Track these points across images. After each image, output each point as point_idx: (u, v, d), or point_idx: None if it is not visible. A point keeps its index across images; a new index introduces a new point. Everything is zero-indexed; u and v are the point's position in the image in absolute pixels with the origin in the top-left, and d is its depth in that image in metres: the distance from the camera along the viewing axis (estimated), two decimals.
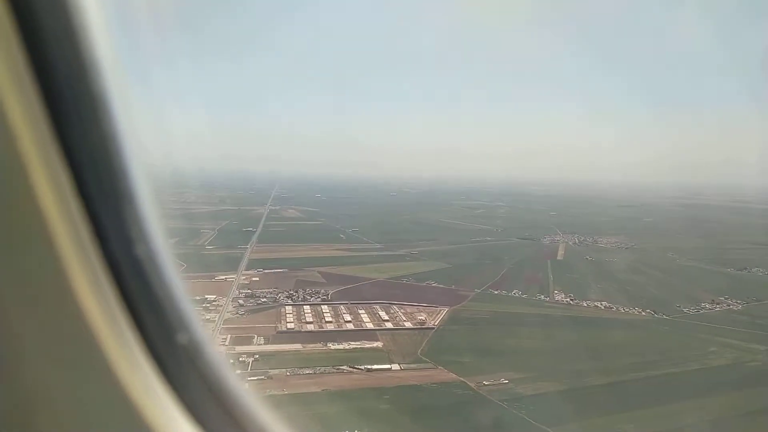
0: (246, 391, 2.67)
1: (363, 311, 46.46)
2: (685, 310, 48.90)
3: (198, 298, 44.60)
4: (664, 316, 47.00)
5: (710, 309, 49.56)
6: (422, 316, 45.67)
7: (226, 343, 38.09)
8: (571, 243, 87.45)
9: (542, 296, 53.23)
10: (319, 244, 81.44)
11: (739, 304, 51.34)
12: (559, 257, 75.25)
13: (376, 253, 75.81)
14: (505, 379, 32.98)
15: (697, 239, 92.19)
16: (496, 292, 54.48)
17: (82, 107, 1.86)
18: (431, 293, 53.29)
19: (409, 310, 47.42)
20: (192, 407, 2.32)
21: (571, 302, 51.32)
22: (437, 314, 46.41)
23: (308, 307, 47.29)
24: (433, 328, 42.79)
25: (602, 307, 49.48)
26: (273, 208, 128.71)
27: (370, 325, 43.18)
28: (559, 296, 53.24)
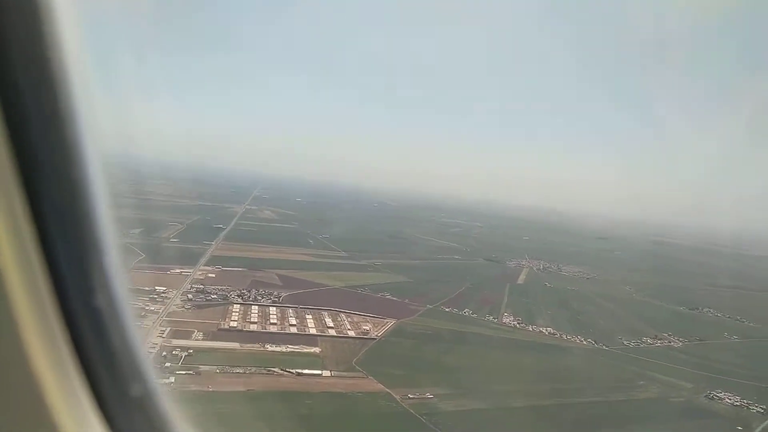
0: None
1: (310, 317, 46.71)
2: (626, 342, 50.01)
3: (147, 289, 44.72)
4: (604, 347, 48.01)
5: (650, 344, 50.74)
6: (367, 327, 46.06)
7: (164, 336, 38.10)
8: (535, 269, 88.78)
9: (491, 317, 54.00)
10: (286, 247, 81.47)
11: (681, 341, 52.66)
12: (519, 281, 76.39)
13: (339, 261, 76.13)
14: (431, 394, 33.47)
15: (660, 277, 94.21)
16: (447, 310, 55.11)
17: (50, 152, 1.81)
18: (383, 305, 53.72)
19: (356, 320, 47.80)
20: None
21: (517, 326, 52.16)
22: (383, 326, 46.86)
23: (256, 307, 47.40)
24: (375, 339, 43.22)
25: (546, 333, 50.36)
26: (250, 207, 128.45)
27: (313, 331, 43.45)
28: (508, 319, 54.06)
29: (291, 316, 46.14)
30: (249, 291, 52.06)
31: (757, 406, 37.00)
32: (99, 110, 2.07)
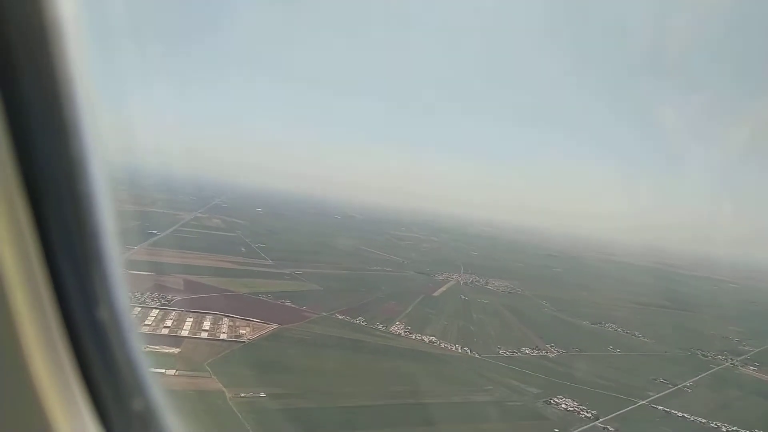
0: None
1: (191, 319, 47.97)
2: (501, 352, 52.02)
3: None
4: (476, 355, 49.93)
5: (527, 353, 52.80)
6: (245, 331, 47.48)
7: None
8: (462, 282, 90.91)
9: (381, 326, 55.68)
10: (214, 254, 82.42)
11: (558, 352, 54.85)
12: (435, 294, 78.27)
13: (260, 269, 77.46)
14: (264, 394, 34.94)
15: (582, 292, 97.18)
16: (340, 317, 56.72)
17: (54, 163, 1.82)
18: (276, 311, 55.15)
19: (237, 324, 49.15)
20: None
21: (402, 334, 53.90)
22: (261, 330, 48.30)
23: (139, 309, 48.50)
24: (244, 342, 44.60)
25: (426, 342, 52.18)
26: (200, 215, 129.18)
27: (184, 333, 44.69)
28: (398, 328, 55.79)
29: (170, 319, 47.38)
30: (141, 294, 53.13)
31: (588, 412, 39.08)
32: (102, 119, 2.11)
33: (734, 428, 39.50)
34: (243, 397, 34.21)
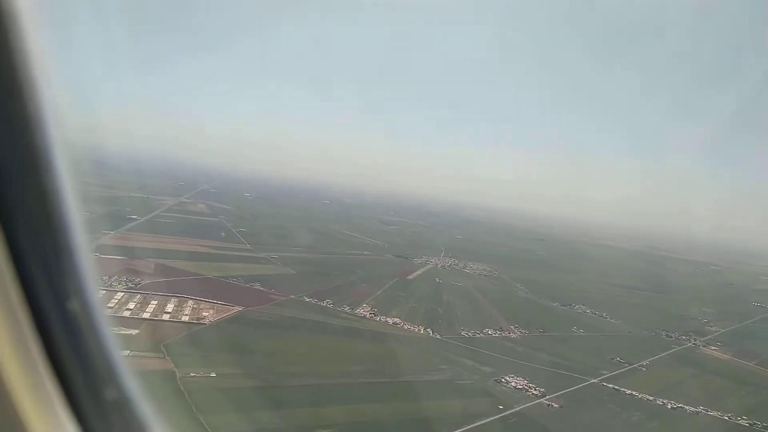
0: None
1: (155, 302, 48.59)
2: (463, 333, 52.91)
3: None
4: (437, 336, 50.79)
5: (488, 334, 53.70)
6: (207, 313, 48.15)
7: None
8: (440, 266, 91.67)
9: (347, 308, 56.39)
10: (193, 239, 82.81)
11: (522, 333, 55.79)
12: (410, 277, 78.97)
13: (237, 253, 78.03)
14: (214, 374, 35.70)
15: (560, 275, 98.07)
16: (308, 300, 57.41)
17: (17, 155, 1.79)
18: (243, 294, 55.79)
19: (201, 306, 49.81)
20: None
21: (367, 316, 54.67)
22: (225, 313, 49.00)
23: (104, 292, 49.07)
24: (204, 324, 45.30)
25: (390, 323, 52.99)
26: (184, 200, 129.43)
27: (145, 315, 45.35)
28: (364, 310, 56.56)
29: (133, 302, 48.01)
30: (110, 278, 53.68)
31: (535, 389, 40.02)
32: (66, 107, 2.02)
33: (679, 405, 40.50)
34: (193, 377, 34.95)
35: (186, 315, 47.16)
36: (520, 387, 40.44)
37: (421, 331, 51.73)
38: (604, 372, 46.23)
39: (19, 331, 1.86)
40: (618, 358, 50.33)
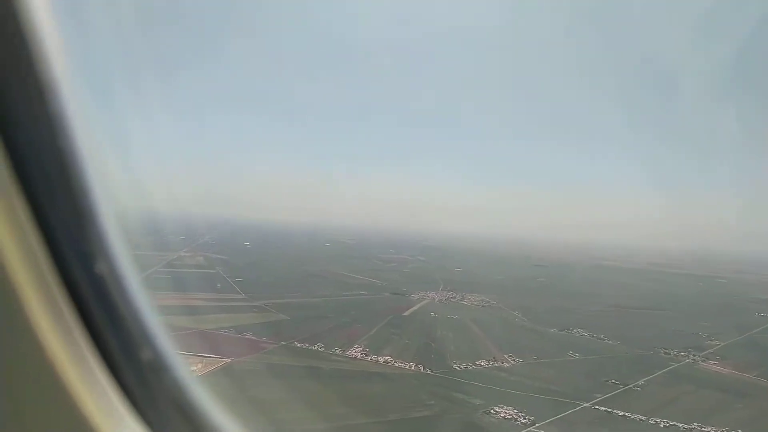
0: (213, 407, 2.68)
1: None
2: (456, 366, 52.45)
3: None
4: (428, 371, 50.41)
5: (481, 366, 53.22)
6: (195, 368, 48.01)
7: None
8: (437, 300, 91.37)
9: (338, 350, 56.23)
10: (188, 293, 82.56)
11: (515, 361, 55.23)
12: (406, 313, 78.72)
13: (231, 304, 78.28)
14: None
15: (560, 300, 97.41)
16: (299, 346, 57.36)
17: (37, 126, 1.83)
18: (233, 345, 55.90)
19: (190, 361, 49.69)
20: (157, 426, 2.25)
21: (359, 357, 54.46)
22: (213, 365, 49.02)
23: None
24: None
25: (381, 362, 52.70)
26: (184, 254, 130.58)
27: None
28: (356, 351, 56.36)
29: None
30: None
31: (525, 418, 39.47)
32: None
33: (672, 423, 39.74)
34: None
35: None
36: (509, 417, 39.90)
37: (413, 368, 51.38)
38: (597, 395, 45.51)
39: (52, 297, 1.89)
40: (613, 380, 49.59)
